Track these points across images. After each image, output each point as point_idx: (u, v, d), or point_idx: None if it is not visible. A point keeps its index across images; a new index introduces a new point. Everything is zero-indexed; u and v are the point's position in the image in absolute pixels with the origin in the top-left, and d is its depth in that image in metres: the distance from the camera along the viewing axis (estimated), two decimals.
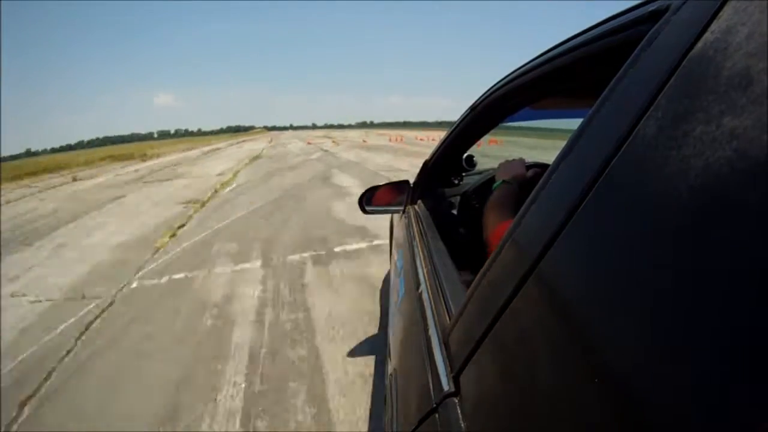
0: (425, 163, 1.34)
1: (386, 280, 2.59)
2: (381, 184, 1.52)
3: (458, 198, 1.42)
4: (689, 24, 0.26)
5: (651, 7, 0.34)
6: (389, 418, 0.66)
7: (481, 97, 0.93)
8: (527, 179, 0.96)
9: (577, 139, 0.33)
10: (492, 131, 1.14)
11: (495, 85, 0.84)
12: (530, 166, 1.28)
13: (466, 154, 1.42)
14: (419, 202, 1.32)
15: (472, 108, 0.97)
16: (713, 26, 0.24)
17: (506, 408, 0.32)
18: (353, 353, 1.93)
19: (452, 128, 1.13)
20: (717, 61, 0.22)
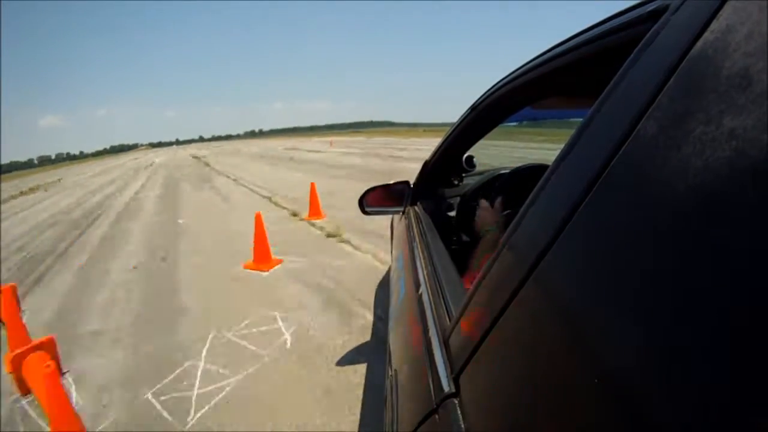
0: (425, 164, 1.34)
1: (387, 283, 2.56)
2: (381, 184, 1.52)
3: (458, 198, 1.42)
4: (689, 24, 0.26)
5: (650, 6, 0.34)
6: (389, 418, 0.66)
7: (481, 96, 0.93)
8: (499, 217, 1.03)
9: (577, 138, 0.33)
10: (492, 131, 1.14)
11: (495, 84, 0.84)
12: (527, 168, 1.28)
13: (466, 155, 1.42)
14: (419, 202, 1.32)
15: (473, 108, 0.97)
16: (713, 26, 0.24)
17: (506, 409, 0.32)
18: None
19: (452, 128, 1.13)
20: (717, 61, 0.22)
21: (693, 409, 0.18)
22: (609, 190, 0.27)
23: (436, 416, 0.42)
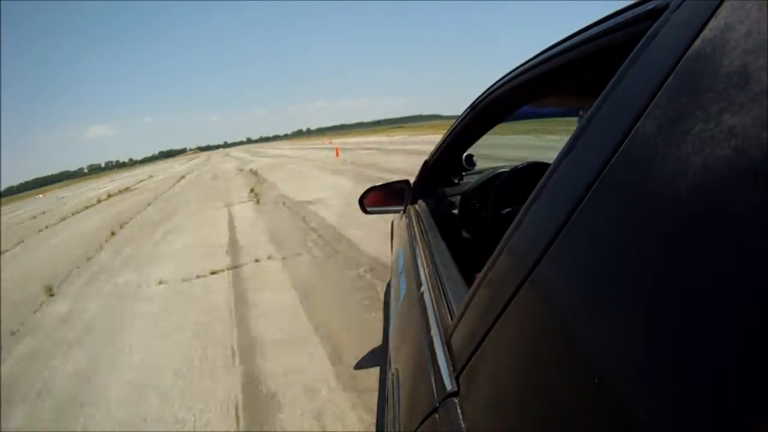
0: (425, 163, 1.34)
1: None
2: (381, 184, 1.52)
3: (459, 197, 1.42)
4: (688, 22, 0.26)
5: (650, 5, 0.34)
6: (391, 417, 0.66)
7: (481, 95, 0.93)
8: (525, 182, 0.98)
9: (577, 137, 0.33)
10: (491, 130, 1.14)
11: (495, 83, 0.84)
12: (527, 166, 1.28)
13: (466, 153, 1.42)
14: (420, 201, 1.32)
15: (472, 107, 0.97)
16: (712, 24, 0.24)
17: (508, 408, 0.32)
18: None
19: (452, 127, 1.13)
20: (715, 59, 0.22)
21: (693, 409, 0.18)
22: (609, 188, 0.27)
23: (438, 415, 0.42)
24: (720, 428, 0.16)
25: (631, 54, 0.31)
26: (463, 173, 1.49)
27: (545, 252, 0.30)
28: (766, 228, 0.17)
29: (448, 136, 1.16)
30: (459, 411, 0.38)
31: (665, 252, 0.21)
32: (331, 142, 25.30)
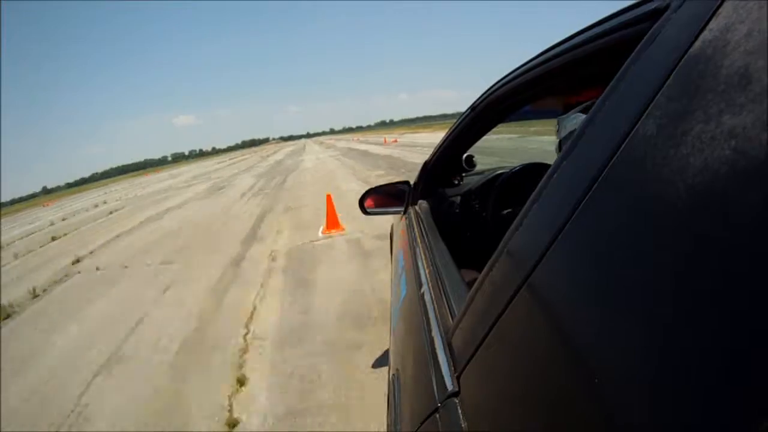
0: (425, 164, 1.34)
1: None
2: (381, 185, 1.52)
3: (459, 198, 1.42)
4: (689, 22, 0.26)
5: (651, 5, 0.34)
6: (392, 417, 0.66)
7: (480, 96, 0.93)
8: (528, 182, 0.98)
9: (577, 138, 0.33)
10: (492, 131, 1.14)
11: (495, 84, 0.84)
12: (527, 167, 1.28)
13: (466, 154, 1.43)
14: (420, 202, 1.32)
15: (472, 108, 0.97)
16: (712, 24, 0.24)
17: (509, 408, 0.32)
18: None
19: (452, 128, 1.13)
20: (716, 60, 0.22)
21: (693, 409, 0.18)
22: (610, 189, 0.27)
23: (438, 415, 0.42)
24: (720, 428, 0.16)
25: (632, 54, 0.31)
26: (463, 174, 1.49)
27: (545, 253, 0.30)
28: (767, 228, 0.17)
29: (448, 137, 1.16)
30: (460, 411, 0.38)
31: (665, 253, 0.21)
32: (396, 141, 21.66)
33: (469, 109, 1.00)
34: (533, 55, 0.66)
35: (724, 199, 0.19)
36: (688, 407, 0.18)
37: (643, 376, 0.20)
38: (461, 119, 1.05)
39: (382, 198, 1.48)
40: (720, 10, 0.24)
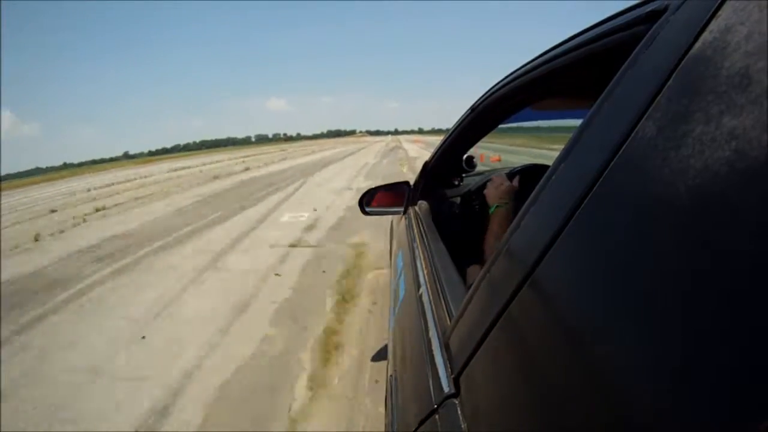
0: (425, 164, 1.34)
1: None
2: (381, 185, 1.52)
3: (458, 199, 1.42)
4: (688, 24, 0.26)
5: (650, 7, 0.34)
6: (389, 419, 0.66)
7: (480, 98, 0.93)
8: (516, 189, 0.99)
9: (576, 139, 0.33)
10: (491, 132, 1.14)
11: (494, 86, 0.84)
12: (521, 170, 1.28)
13: (466, 155, 1.43)
14: (419, 203, 1.32)
15: (472, 109, 0.97)
16: (712, 26, 0.24)
17: (507, 409, 0.32)
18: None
19: (452, 129, 1.13)
20: (716, 61, 0.22)
21: (693, 409, 0.18)
22: (609, 190, 0.27)
23: (436, 417, 0.42)
24: (721, 428, 0.16)
25: (631, 56, 0.31)
26: (463, 175, 1.49)
27: (544, 253, 0.30)
28: (766, 229, 0.17)
29: (448, 138, 1.16)
30: (458, 412, 0.38)
31: (665, 253, 0.21)
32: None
33: (469, 110, 1.00)
34: (533, 57, 0.66)
35: (724, 200, 0.19)
36: (688, 407, 0.18)
37: (642, 376, 0.20)
38: (461, 120, 1.05)
39: (382, 198, 1.49)
40: (720, 11, 0.24)
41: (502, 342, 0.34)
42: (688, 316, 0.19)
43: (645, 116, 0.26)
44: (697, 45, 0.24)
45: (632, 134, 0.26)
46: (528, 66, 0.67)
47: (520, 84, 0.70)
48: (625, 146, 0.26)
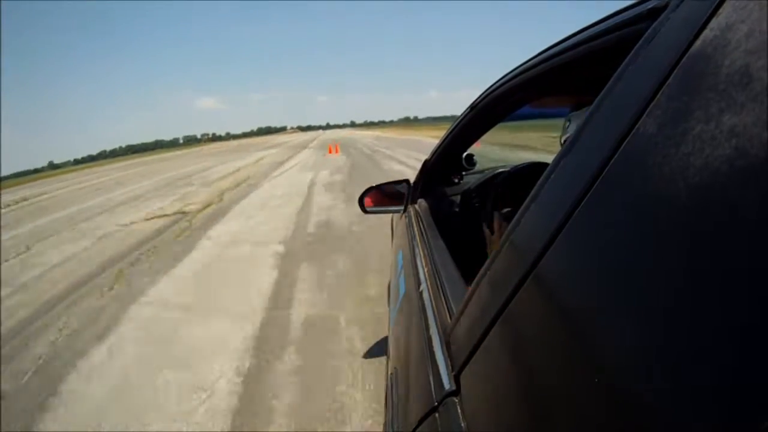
0: (425, 162, 1.34)
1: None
2: (381, 183, 1.52)
3: (458, 197, 1.42)
4: (688, 21, 0.26)
5: (650, 4, 0.34)
6: (390, 417, 0.66)
7: (480, 95, 0.93)
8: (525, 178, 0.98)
9: (576, 137, 0.33)
10: (491, 130, 1.14)
11: (494, 83, 0.84)
12: (527, 166, 1.28)
13: (466, 153, 1.42)
14: (419, 201, 1.32)
15: (472, 107, 0.97)
16: (712, 23, 0.24)
17: (507, 407, 0.32)
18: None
19: (452, 127, 1.13)
20: (716, 59, 0.22)
21: (694, 409, 0.18)
22: (609, 188, 0.27)
23: (437, 414, 0.42)
24: (721, 428, 0.16)
25: (631, 53, 0.31)
26: (463, 173, 1.49)
27: (544, 251, 0.30)
28: (767, 227, 0.17)
29: (448, 136, 1.16)
30: (458, 410, 0.38)
31: (665, 252, 0.21)
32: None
33: (469, 107, 1.00)
34: (533, 54, 0.66)
35: (724, 198, 0.19)
36: (688, 406, 0.18)
37: (642, 374, 0.20)
38: (461, 118, 1.05)
39: (381, 197, 1.48)
40: (720, 9, 0.24)
41: (503, 339, 0.34)
42: (688, 314, 0.19)
43: (645, 114, 0.26)
44: (698, 43, 0.24)
45: (632, 132, 0.26)
46: (528, 63, 0.67)
47: (521, 81, 0.70)
48: (625, 144, 0.26)
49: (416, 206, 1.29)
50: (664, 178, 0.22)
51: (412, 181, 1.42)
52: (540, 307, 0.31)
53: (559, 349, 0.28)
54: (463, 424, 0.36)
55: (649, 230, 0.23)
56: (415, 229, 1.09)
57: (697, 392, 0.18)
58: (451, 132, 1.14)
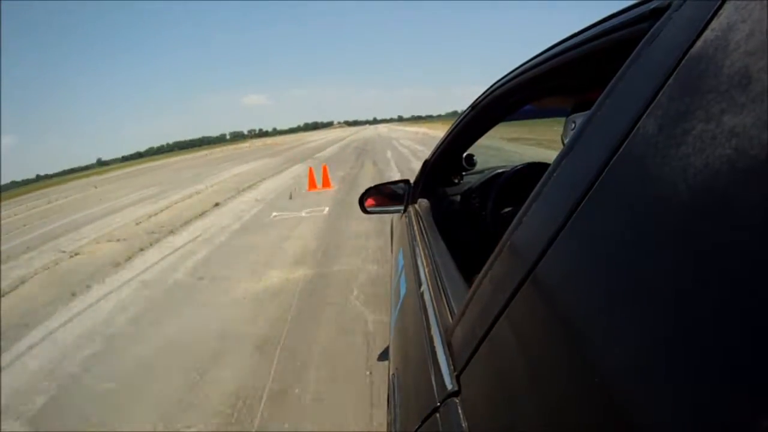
0: (425, 162, 1.34)
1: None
2: (381, 183, 1.52)
3: (459, 197, 1.42)
4: (690, 22, 0.26)
5: (652, 4, 0.34)
6: (391, 417, 0.67)
7: (481, 95, 0.93)
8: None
9: (577, 137, 0.33)
10: (492, 129, 1.14)
11: (496, 83, 0.84)
12: (528, 166, 1.28)
13: (466, 153, 1.42)
14: (420, 201, 1.32)
15: (473, 106, 0.97)
16: (714, 24, 0.24)
17: (509, 407, 0.32)
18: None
19: (452, 127, 1.13)
20: (717, 60, 0.22)
21: (694, 409, 0.18)
22: (610, 188, 0.27)
23: (438, 415, 0.42)
24: (721, 428, 0.16)
25: (633, 54, 0.31)
26: (464, 173, 1.49)
27: (545, 251, 0.30)
28: (767, 227, 0.17)
29: (448, 136, 1.16)
30: (460, 411, 0.38)
31: (665, 252, 0.21)
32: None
33: (469, 107, 0.99)
34: (534, 54, 0.66)
35: (725, 198, 0.19)
36: (689, 406, 0.18)
37: (643, 374, 0.21)
38: (461, 118, 1.05)
39: (382, 197, 1.48)
40: (721, 10, 0.24)
41: (504, 339, 0.34)
42: (688, 314, 0.19)
43: (646, 114, 0.26)
44: (699, 43, 0.24)
45: (633, 132, 0.26)
46: (529, 63, 0.67)
47: (522, 81, 0.70)
48: (626, 144, 0.27)
49: (416, 206, 1.29)
50: (665, 178, 0.22)
51: (412, 181, 1.42)
52: (541, 306, 0.31)
53: (560, 348, 0.28)
54: (464, 425, 0.37)
55: (649, 230, 0.23)
56: (416, 229, 1.09)
57: (697, 392, 0.18)
58: (451, 132, 1.14)
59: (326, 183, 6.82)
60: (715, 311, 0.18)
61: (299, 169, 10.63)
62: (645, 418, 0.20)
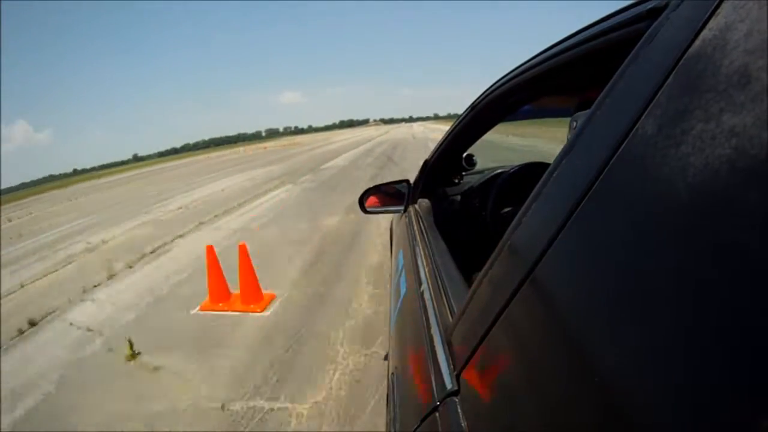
0: (425, 163, 1.34)
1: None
2: (381, 183, 1.52)
3: (459, 197, 1.42)
4: (688, 21, 0.26)
5: (650, 4, 0.34)
6: (391, 416, 0.67)
7: (481, 95, 0.93)
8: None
9: (577, 137, 0.33)
10: (491, 130, 1.14)
11: (494, 83, 0.84)
12: (528, 166, 1.28)
13: (466, 153, 1.42)
14: (420, 201, 1.32)
15: (472, 107, 0.97)
16: (712, 23, 0.24)
17: (508, 406, 0.32)
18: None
19: (452, 127, 1.13)
20: (716, 59, 0.22)
21: (693, 409, 0.18)
22: (610, 188, 0.27)
23: (438, 414, 0.42)
24: (720, 428, 0.16)
25: (631, 53, 0.31)
26: (463, 173, 1.49)
27: (545, 251, 0.30)
28: (766, 227, 0.17)
29: (448, 136, 1.16)
30: (459, 410, 0.38)
31: (665, 251, 0.21)
32: None
33: (469, 107, 0.99)
34: (533, 54, 0.66)
35: (724, 197, 0.19)
36: (689, 407, 0.18)
37: (643, 374, 0.21)
38: (461, 118, 1.05)
39: (382, 197, 1.48)
40: (719, 9, 0.24)
41: (504, 339, 0.34)
42: (688, 314, 0.19)
43: (645, 114, 0.26)
44: (697, 42, 0.24)
45: (632, 132, 0.26)
46: (528, 64, 0.67)
47: (521, 82, 0.70)
48: (625, 144, 0.27)
49: (416, 206, 1.29)
50: (665, 178, 0.22)
51: (412, 181, 1.42)
52: (541, 306, 0.31)
53: (559, 348, 0.28)
54: (464, 424, 0.37)
55: (649, 230, 0.23)
56: (416, 229, 1.09)
57: (697, 392, 0.18)
58: (451, 132, 1.14)
59: (251, 285, 2.56)
60: (715, 311, 0.18)
61: (264, 206, 5.98)
62: (645, 418, 0.20)
